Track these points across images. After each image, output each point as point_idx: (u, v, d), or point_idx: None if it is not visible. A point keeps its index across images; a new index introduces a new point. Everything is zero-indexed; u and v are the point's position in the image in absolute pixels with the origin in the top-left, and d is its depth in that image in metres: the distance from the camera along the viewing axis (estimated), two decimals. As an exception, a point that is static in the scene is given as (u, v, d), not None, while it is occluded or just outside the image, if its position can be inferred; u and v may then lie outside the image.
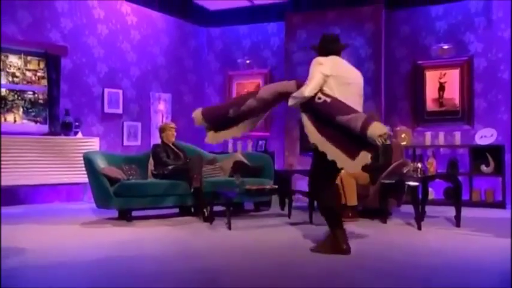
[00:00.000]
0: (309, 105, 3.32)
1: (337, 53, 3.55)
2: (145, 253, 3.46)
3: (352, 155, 3.14)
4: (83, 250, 3.55)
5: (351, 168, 3.28)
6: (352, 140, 3.15)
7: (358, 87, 3.48)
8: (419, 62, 7.20)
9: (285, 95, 3.52)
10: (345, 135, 3.16)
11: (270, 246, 3.70)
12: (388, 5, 7.30)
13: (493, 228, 4.44)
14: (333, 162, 3.19)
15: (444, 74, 7.10)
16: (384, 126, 3.12)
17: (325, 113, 3.23)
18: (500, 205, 6.20)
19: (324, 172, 3.46)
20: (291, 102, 3.41)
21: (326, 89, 3.31)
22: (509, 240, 3.52)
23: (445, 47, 7.07)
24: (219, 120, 3.75)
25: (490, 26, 6.91)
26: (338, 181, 4.86)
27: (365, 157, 3.14)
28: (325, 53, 3.52)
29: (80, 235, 4.17)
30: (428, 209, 5.05)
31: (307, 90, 3.27)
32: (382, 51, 7.24)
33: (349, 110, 3.20)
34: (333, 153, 3.18)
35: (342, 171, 4.71)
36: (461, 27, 7.06)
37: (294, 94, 3.38)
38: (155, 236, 4.09)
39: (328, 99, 3.25)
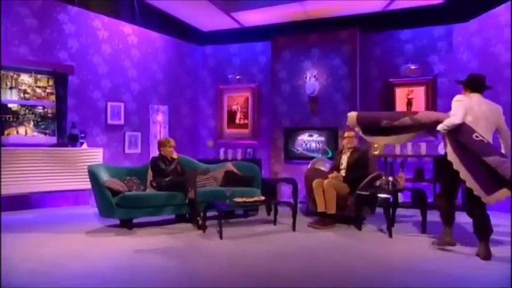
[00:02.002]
0: (453, 135, 3.60)
1: (479, 91, 3.78)
2: (145, 263, 3.38)
3: (489, 191, 3.39)
4: (87, 260, 3.45)
5: (485, 200, 3.45)
6: (492, 177, 3.36)
7: (488, 121, 3.67)
8: (390, 80, 7.19)
9: (438, 123, 3.73)
10: (486, 171, 3.39)
11: (256, 256, 3.63)
12: (362, 29, 7.27)
13: (454, 235, 4.43)
14: (456, 182, 3.64)
15: (412, 91, 7.11)
16: None
17: (475, 149, 3.46)
18: (461, 209, 6.19)
19: (448, 188, 3.81)
20: (440, 127, 3.68)
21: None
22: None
23: (413, 67, 7.07)
24: (371, 127, 4.06)
25: (450, 49, 6.93)
26: (320, 192, 4.86)
27: (503, 194, 3.37)
28: (470, 89, 3.78)
29: (84, 244, 4.05)
30: (398, 211, 5.03)
31: (452, 121, 3.58)
32: (358, 70, 7.21)
33: (495, 150, 3.48)
34: (472, 184, 3.46)
35: (325, 182, 4.73)
36: (426, 50, 7.06)
37: (445, 122, 3.64)
38: (154, 247, 3.99)
39: (482, 139, 3.50)
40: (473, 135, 3.50)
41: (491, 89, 3.99)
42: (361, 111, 4.35)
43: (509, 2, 6.03)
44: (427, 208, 4.59)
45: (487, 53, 6.39)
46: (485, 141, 3.50)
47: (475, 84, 3.83)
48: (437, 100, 6.94)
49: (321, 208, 4.87)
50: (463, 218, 4.30)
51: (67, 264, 3.32)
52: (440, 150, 6.49)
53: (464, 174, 3.50)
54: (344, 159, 5.17)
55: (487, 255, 3.48)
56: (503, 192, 3.36)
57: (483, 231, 3.56)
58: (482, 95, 3.80)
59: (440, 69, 6.98)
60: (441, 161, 3.93)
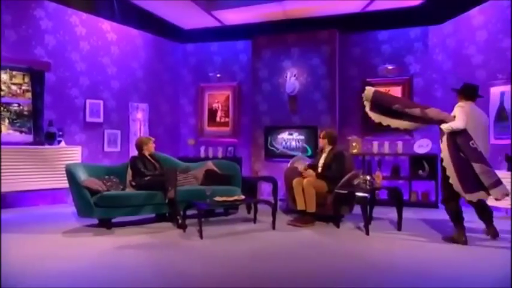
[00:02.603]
0: (453, 136, 3.91)
1: (473, 100, 4.09)
2: (122, 263, 3.32)
3: (468, 190, 3.81)
4: (63, 260, 3.36)
5: (462, 195, 3.87)
6: (474, 180, 3.78)
7: (483, 128, 4.07)
8: (368, 79, 7.26)
9: (442, 122, 4.02)
10: (470, 174, 3.78)
11: (235, 255, 3.62)
12: (341, 30, 7.32)
13: (427, 231, 4.54)
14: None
15: (389, 91, 7.09)
16: (504, 191, 3.75)
17: (467, 153, 3.82)
18: (434, 205, 6.38)
19: (450, 187, 3.97)
20: (444, 127, 3.97)
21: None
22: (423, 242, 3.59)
23: (390, 67, 7.16)
24: (382, 106, 4.24)
25: (426, 50, 7.05)
26: (300, 190, 4.87)
27: (479, 196, 3.81)
28: (464, 98, 4.09)
29: (61, 245, 3.95)
30: (375, 209, 5.10)
31: (458, 125, 3.89)
32: (337, 70, 7.26)
33: (483, 159, 3.82)
34: (454, 181, 3.86)
35: (304, 181, 4.76)
36: (402, 51, 7.17)
37: (451, 124, 3.93)
38: (133, 246, 3.92)
39: (476, 147, 3.84)
40: (470, 142, 3.84)
41: (483, 98, 4.29)
42: (377, 90, 4.52)
43: (482, 6, 6.18)
44: (403, 206, 4.66)
45: (460, 54, 6.53)
46: (478, 149, 3.85)
47: (470, 93, 4.11)
48: (413, 99, 7.04)
49: (300, 206, 4.89)
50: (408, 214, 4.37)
51: (42, 265, 3.23)
52: (416, 149, 6.65)
53: (450, 171, 3.87)
54: (322, 158, 5.21)
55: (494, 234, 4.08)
56: (480, 195, 3.81)
57: (457, 220, 4.04)
58: (475, 104, 4.11)
59: (416, 70, 7.10)
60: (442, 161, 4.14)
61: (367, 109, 4.41)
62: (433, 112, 4.11)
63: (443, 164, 3.96)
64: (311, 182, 4.86)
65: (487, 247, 3.90)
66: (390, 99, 4.46)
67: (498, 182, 3.77)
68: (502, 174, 5.27)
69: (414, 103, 4.47)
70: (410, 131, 6.36)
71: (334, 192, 4.76)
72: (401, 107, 4.17)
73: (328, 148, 5.18)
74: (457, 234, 4.02)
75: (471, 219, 4.27)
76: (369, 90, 4.38)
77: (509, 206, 5.34)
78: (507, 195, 3.77)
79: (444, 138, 3.99)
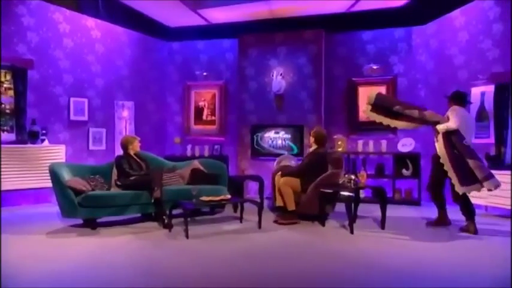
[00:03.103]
0: (448, 135, 4.36)
1: (464, 105, 4.62)
2: (106, 264, 3.28)
3: (463, 184, 4.20)
4: (46, 262, 3.31)
5: (458, 189, 4.26)
6: (469, 174, 4.18)
7: (472, 129, 4.64)
8: (353, 79, 7.32)
9: (437, 123, 4.48)
10: (465, 168, 4.19)
11: (221, 256, 3.61)
12: (327, 30, 7.35)
13: (410, 229, 4.61)
14: (443, 173, 4.38)
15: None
16: (496, 182, 4.16)
17: (462, 150, 4.26)
18: (417, 203, 6.47)
19: (438, 178, 4.61)
20: (440, 127, 4.43)
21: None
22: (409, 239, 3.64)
23: (374, 67, 7.22)
24: (382, 107, 4.65)
25: (410, 50, 7.14)
26: (277, 190, 4.96)
27: (473, 189, 4.21)
28: (455, 103, 4.57)
29: (44, 246, 3.88)
30: (360, 207, 5.14)
31: (453, 125, 4.36)
32: (323, 69, 7.30)
33: (476, 155, 4.27)
34: (452, 175, 4.29)
35: (280, 181, 4.85)
36: (387, 51, 7.24)
37: (447, 124, 4.40)
38: (118, 247, 3.89)
39: (469, 145, 4.33)
40: (463, 141, 4.32)
41: (472, 104, 4.85)
42: (380, 93, 4.96)
43: (463, 7, 6.27)
44: (387, 205, 4.71)
45: (442, 55, 6.63)
46: (471, 147, 4.35)
47: (460, 99, 4.63)
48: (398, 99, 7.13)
49: (279, 203, 5.03)
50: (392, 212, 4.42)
51: (26, 267, 3.17)
52: (400, 148, 6.74)
53: (448, 166, 4.33)
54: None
55: (474, 231, 4.38)
56: (475, 187, 4.20)
57: (469, 213, 4.46)
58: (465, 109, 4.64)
59: (400, 70, 7.18)
60: (434, 159, 4.66)
61: (368, 110, 4.76)
62: (429, 114, 4.55)
63: (441, 160, 4.37)
64: (286, 181, 4.94)
65: (469, 245, 3.98)
66: (392, 100, 4.95)
67: (490, 175, 4.19)
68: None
69: (413, 105, 4.80)
70: (395, 130, 6.63)
71: (310, 191, 4.81)
72: (401, 108, 4.57)
73: (314, 147, 5.21)
74: (441, 219, 4.73)
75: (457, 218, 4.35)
76: (372, 94, 4.76)
77: (488, 204, 5.46)
78: (499, 186, 4.18)
79: (440, 137, 4.43)
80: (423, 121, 4.54)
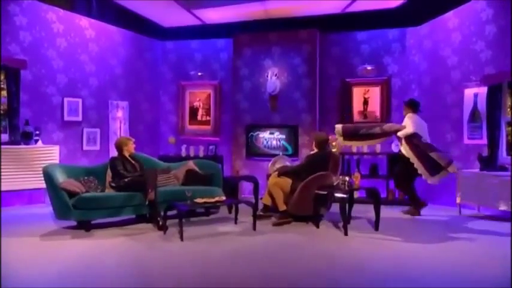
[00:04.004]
0: (410, 138, 5.29)
1: (416, 112, 5.49)
2: (99, 268, 3.27)
3: (432, 174, 5.14)
4: (42, 266, 3.28)
5: (429, 181, 5.22)
6: (434, 165, 5.10)
7: (425, 129, 5.44)
8: (348, 79, 7.34)
9: (397, 131, 5.42)
10: (430, 161, 5.10)
11: (215, 258, 3.61)
12: (321, 29, 7.35)
13: (403, 230, 4.63)
14: (414, 171, 5.26)
15: (368, 91, 7.29)
16: (456, 165, 5.23)
17: (424, 148, 5.18)
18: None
19: (407, 175, 5.44)
20: (401, 134, 5.37)
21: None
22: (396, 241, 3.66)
23: (369, 67, 7.24)
24: (351, 134, 5.58)
25: (404, 51, 7.16)
26: (268, 192, 5.01)
27: (441, 176, 5.17)
28: (411, 110, 5.47)
29: (37, 249, 3.84)
30: (354, 207, 5.15)
31: (410, 130, 5.29)
32: (317, 69, 7.30)
33: (435, 148, 5.25)
34: (422, 170, 5.20)
35: (271, 182, 4.91)
36: (381, 52, 7.25)
37: (405, 130, 5.34)
38: (112, 249, 3.87)
39: (427, 142, 5.32)
40: (422, 139, 5.26)
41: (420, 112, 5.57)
42: (345, 125, 5.83)
43: (457, 9, 6.30)
44: (380, 206, 4.72)
45: (435, 55, 6.65)
46: (429, 143, 5.30)
47: (415, 106, 5.50)
48: (391, 100, 7.17)
49: (265, 201, 5.19)
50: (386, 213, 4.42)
51: (20, 269, 3.15)
52: (394, 148, 6.76)
53: (417, 164, 5.20)
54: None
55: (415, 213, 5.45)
56: (442, 174, 5.14)
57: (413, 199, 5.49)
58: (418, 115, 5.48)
59: (394, 70, 7.20)
60: (398, 158, 5.60)
61: (342, 141, 5.64)
62: (388, 127, 5.54)
63: (411, 160, 5.24)
64: (276, 182, 5.00)
65: (462, 246, 4.01)
66: (356, 127, 5.80)
67: (451, 161, 5.15)
68: (474, 173, 5.43)
69: (373, 124, 5.82)
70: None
71: (298, 192, 4.86)
72: (366, 130, 5.54)
73: (315, 150, 5.23)
74: (413, 210, 5.50)
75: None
76: (338, 128, 5.63)
77: (480, 204, 5.52)
78: (457, 169, 5.27)
79: (403, 141, 5.36)
80: (386, 134, 5.48)
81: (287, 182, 5.04)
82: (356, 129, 5.60)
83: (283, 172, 5.23)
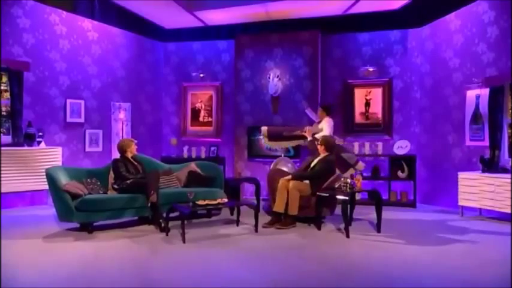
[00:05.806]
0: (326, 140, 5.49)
1: (330, 115, 6.05)
2: (102, 271, 3.27)
3: (343, 171, 5.44)
4: (44, 268, 3.29)
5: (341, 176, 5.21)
6: (345, 164, 5.50)
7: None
8: (349, 81, 7.33)
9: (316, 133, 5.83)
10: (342, 161, 5.49)
11: (217, 261, 3.61)
12: (323, 31, 7.34)
13: (405, 233, 4.63)
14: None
15: (369, 92, 7.28)
16: (362, 164, 5.72)
17: (337, 149, 5.46)
18: (412, 204, 6.49)
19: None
20: (319, 136, 5.66)
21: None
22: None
23: (370, 69, 7.23)
24: (275, 135, 6.16)
25: (405, 53, 7.15)
26: (284, 193, 4.89)
27: (349, 172, 5.52)
28: (326, 113, 6.00)
29: (39, 251, 3.86)
30: (356, 209, 5.18)
31: (327, 133, 5.76)
32: (319, 71, 7.29)
33: (347, 149, 5.88)
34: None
35: (290, 184, 4.79)
36: (383, 53, 7.24)
37: (323, 133, 5.73)
38: (114, 251, 3.88)
39: (342, 143, 6.04)
40: (336, 141, 5.57)
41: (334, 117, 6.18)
42: (270, 127, 6.40)
43: (458, 11, 6.29)
44: (382, 208, 4.72)
45: (437, 57, 6.64)
46: (341, 145, 5.88)
47: (329, 110, 6.06)
48: (393, 101, 7.16)
49: (278, 208, 4.90)
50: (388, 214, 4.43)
51: (23, 272, 3.16)
52: (396, 150, 6.76)
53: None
54: (314, 161, 5.23)
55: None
56: (350, 171, 5.55)
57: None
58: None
59: (396, 72, 7.19)
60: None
61: (266, 141, 6.21)
62: (307, 129, 5.93)
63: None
64: (296, 186, 4.89)
65: (464, 248, 4.00)
66: (279, 129, 6.38)
67: (358, 161, 5.65)
68: (476, 175, 5.43)
69: (294, 128, 6.29)
70: (391, 132, 7.08)
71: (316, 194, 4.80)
72: (288, 132, 6.14)
73: (324, 154, 5.18)
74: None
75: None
76: (264, 130, 6.20)
77: (481, 206, 5.50)
78: (364, 167, 5.75)
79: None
80: (304, 136, 5.94)
81: (306, 185, 4.97)
82: (279, 131, 6.18)
83: (299, 175, 5.10)
